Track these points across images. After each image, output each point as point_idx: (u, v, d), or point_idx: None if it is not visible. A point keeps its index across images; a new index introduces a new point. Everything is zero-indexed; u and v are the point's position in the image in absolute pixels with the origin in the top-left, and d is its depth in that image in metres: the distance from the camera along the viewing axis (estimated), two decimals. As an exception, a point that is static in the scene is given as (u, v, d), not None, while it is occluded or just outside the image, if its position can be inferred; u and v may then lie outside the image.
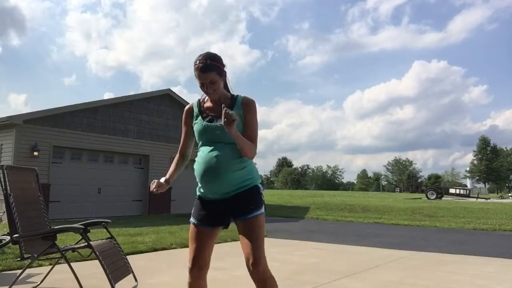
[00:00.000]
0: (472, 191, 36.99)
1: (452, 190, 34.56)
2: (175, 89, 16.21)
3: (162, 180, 2.36)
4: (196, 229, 2.27)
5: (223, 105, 2.12)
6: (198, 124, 2.31)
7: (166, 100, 15.79)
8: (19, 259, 3.45)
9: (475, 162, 77.81)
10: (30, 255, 3.31)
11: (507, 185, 76.46)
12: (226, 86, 2.34)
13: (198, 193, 2.34)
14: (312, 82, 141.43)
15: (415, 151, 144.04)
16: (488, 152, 77.22)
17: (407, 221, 13.63)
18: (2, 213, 9.38)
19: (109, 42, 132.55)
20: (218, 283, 3.81)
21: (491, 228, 11.78)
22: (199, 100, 2.38)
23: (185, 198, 15.43)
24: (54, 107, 12.59)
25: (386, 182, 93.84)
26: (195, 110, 2.35)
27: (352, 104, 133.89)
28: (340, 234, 9.97)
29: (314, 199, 23.26)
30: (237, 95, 2.32)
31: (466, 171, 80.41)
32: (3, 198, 3.45)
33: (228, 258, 5.33)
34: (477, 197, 31.37)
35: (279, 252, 6.49)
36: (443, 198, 30.02)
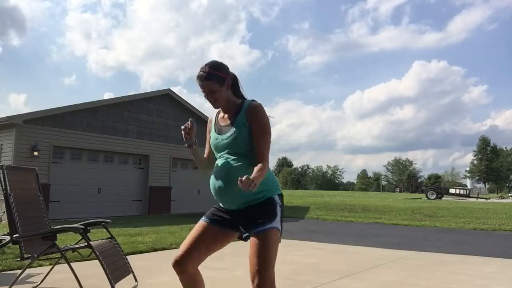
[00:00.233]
0: (472, 191, 36.99)
1: (452, 190, 34.56)
2: (175, 89, 16.23)
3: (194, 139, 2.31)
4: (202, 225, 2.20)
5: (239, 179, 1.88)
6: (211, 135, 2.28)
7: (166, 100, 15.79)
8: (19, 259, 3.45)
9: (475, 162, 77.83)
10: (30, 255, 3.31)
11: (507, 185, 76.46)
12: (238, 93, 2.27)
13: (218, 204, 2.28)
14: (312, 82, 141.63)
15: (415, 151, 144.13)
16: (488, 152, 77.22)
17: (407, 221, 13.63)
18: (2, 213, 9.38)
19: (109, 42, 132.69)
20: (218, 283, 3.80)
21: (491, 228, 11.77)
22: (218, 111, 2.33)
23: (185, 198, 15.46)
24: (54, 107, 12.60)
25: (386, 182, 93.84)
26: (213, 121, 2.32)
27: (352, 104, 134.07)
28: (340, 234, 9.97)
29: (314, 199, 23.26)
30: (245, 101, 2.22)
31: (466, 171, 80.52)
32: (3, 198, 3.45)
33: (228, 258, 5.33)
34: (477, 197, 31.37)
35: (279, 252, 6.47)
36: (443, 198, 30.02)
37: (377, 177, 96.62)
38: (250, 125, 2.12)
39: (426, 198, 29.55)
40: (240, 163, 2.11)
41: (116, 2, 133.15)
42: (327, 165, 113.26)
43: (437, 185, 44.86)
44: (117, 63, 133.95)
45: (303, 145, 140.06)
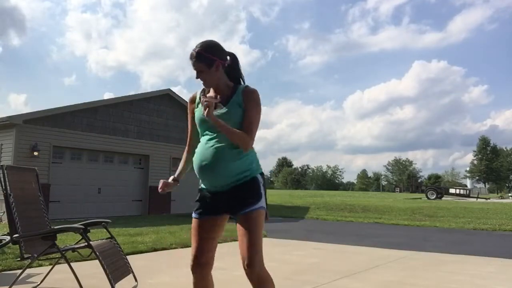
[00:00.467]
0: (472, 191, 36.99)
1: (452, 190, 34.57)
2: (175, 89, 16.30)
3: (170, 179, 2.32)
4: (196, 223, 2.22)
5: (202, 97, 2.07)
6: (198, 111, 2.26)
7: (166, 100, 15.79)
8: (19, 259, 3.45)
9: (475, 162, 77.84)
10: (30, 255, 3.30)
11: (507, 185, 76.47)
12: (234, 76, 2.26)
13: (199, 187, 2.28)
14: (312, 82, 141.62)
15: (415, 151, 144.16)
16: (488, 152, 77.23)
17: (407, 221, 13.63)
18: (2, 213, 9.38)
19: (109, 42, 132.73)
20: (218, 283, 3.80)
21: (491, 228, 11.78)
22: (203, 89, 2.32)
23: (185, 198, 15.43)
24: (54, 107, 12.60)
25: (386, 182, 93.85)
26: (197, 98, 2.32)
27: (352, 104, 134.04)
28: (340, 234, 9.97)
29: (314, 199, 23.26)
30: (240, 85, 2.24)
31: (466, 171, 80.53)
32: (3, 198, 3.44)
33: (228, 258, 5.33)
34: (477, 197, 31.37)
35: (279, 252, 6.49)
36: (443, 198, 30.02)
37: (377, 177, 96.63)
38: (246, 106, 2.14)
39: (426, 198, 29.55)
40: (228, 142, 2.11)
41: (116, 2, 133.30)
42: (327, 165, 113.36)
43: (437, 185, 44.87)
44: (117, 63, 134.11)
45: (303, 145, 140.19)
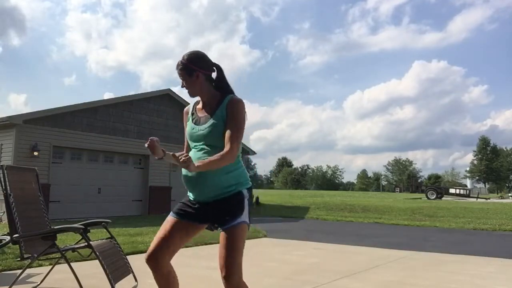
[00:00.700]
0: (472, 191, 36.97)
1: (452, 190, 34.54)
2: (175, 89, 16.22)
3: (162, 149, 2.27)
4: (171, 221, 2.23)
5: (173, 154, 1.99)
6: (188, 124, 2.32)
7: (166, 100, 15.80)
8: (19, 259, 3.45)
9: (475, 162, 77.83)
10: (30, 255, 3.30)
11: (507, 185, 76.46)
12: (222, 87, 2.29)
13: (188, 198, 2.31)
14: (312, 82, 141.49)
15: (415, 151, 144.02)
16: (488, 152, 77.23)
17: (407, 221, 13.63)
18: (2, 213, 9.38)
19: (109, 42, 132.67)
20: (217, 283, 3.80)
21: (491, 228, 11.78)
22: (197, 101, 2.37)
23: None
24: (54, 107, 12.61)
25: (386, 182, 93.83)
26: (190, 111, 2.37)
27: (352, 104, 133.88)
28: (340, 234, 9.97)
29: (314, 199, 23.26)
30: (227, 96, 2.23)
31: (466, 171, 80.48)
32: (3, 198, 3.44)
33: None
34: (477, 197, 31.36)
35: (279, 252, 6.49)
36: (443, 198, 30.01)
37: (377, 177, 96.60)
38: (229, 117, 2.16)
39: (426, 198, 29.53)
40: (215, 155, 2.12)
41: (116, 2, 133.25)
42: (327, 165, 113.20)
43: (437, 185, 44.85)
44: (117, 63, 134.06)
45: (303, 145, 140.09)
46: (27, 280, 4.01)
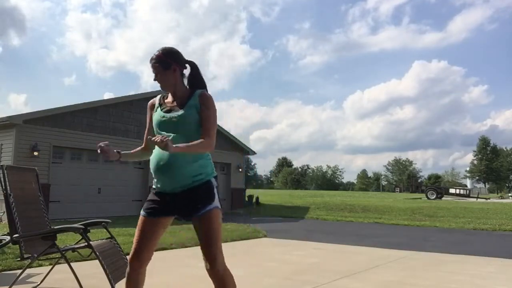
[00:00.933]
0: (472, 191, 36.96)
1: (452, 190, 34.53)
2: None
3: (115, 150, 2.34)
4: (143, 221, 2.27)
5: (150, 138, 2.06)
6: (155, 114, 2.35)
7: (166, 100, 15.79)
8: (19, 259, 3.45)
9: (475, 162, 77.80)
10: (30, 255, 3.31)
11: (507, 185, 76.46)
12: (195, 84, 2.36)
13: (153, 186, 2.33)
14: (312, 82, 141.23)
15: (415, 151, 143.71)
16: (488, 152, 77.20)
17: (407, 221, 13.64)
18: (2, 213, 9.38)
19: (109, 42, 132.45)
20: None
21: (491, 228, 11.79)
22: (162, 95, 2.44)
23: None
24: (54, 107, 12.61)
25: (386, 182, 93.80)
26: (156, 103, 2.42)
27: (352, 104, 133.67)
28: (340, 234, 9.97)
29: (314, 199, 23.26)
30: (196, 90, 2.32)
31: (466, 171, 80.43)
32: (3, 198, 3.45)
33: (227, 259, 5.31)
34: (477, 197, 31.35)
35: (279, 252, 6.49)
36: (443, 198, 30.01)
37: (377, 177, 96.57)
38: (203, 110, 2.24)
39: (426, 198, 29.53)
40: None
41: (116, 2, 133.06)
42: (327, 165, 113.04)
43: (437, 185, 44.84)
44: (117, 63, 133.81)
45: (303, 145, 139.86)
46: (27, 280, 4.01)
